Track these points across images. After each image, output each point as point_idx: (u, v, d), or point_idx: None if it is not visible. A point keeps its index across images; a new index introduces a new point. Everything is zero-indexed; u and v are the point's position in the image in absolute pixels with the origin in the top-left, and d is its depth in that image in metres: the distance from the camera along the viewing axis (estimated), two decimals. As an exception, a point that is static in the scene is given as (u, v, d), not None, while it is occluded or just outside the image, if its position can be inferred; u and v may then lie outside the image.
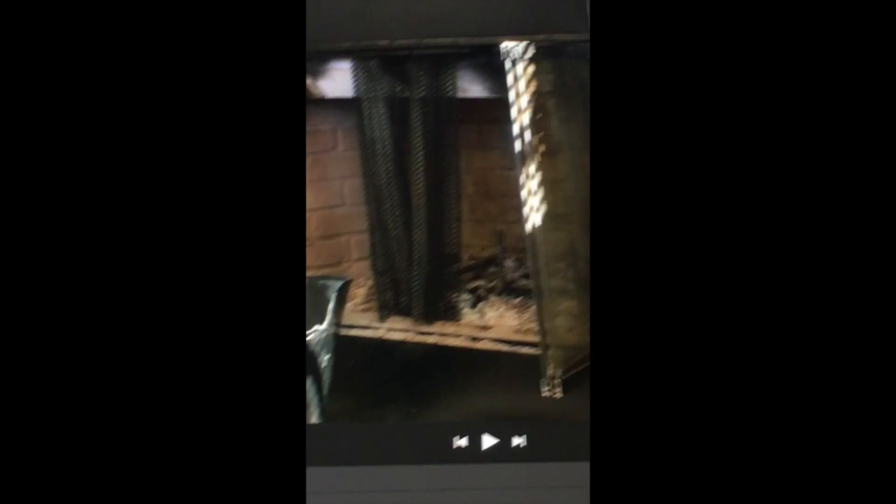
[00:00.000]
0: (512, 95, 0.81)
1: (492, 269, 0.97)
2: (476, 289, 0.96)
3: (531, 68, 0.80)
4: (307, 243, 0.97)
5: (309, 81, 0.90)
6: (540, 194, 0.81)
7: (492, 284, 0.96)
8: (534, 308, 0.85)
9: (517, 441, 0.71)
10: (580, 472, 0.70)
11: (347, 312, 0.91)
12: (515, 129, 0.81)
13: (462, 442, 0.72)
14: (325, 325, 0.84)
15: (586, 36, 0.78)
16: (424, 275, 0.91)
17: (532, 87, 0.81)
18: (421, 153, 0.90)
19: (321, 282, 0.89)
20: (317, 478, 0.70)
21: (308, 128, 0.96)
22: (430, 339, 0.90)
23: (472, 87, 0.88)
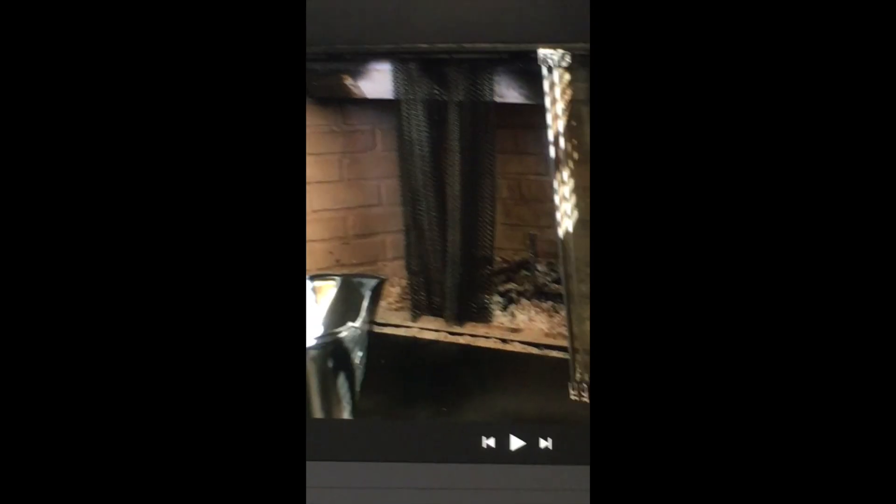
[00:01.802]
0: (548, 102, 0.81)
1: (523, 273, 0.97)
2: (507, 292, 0.96)
3: (567, 76, 0.81)
4: (344, 241, 0.98)
5: (349, 81, 0.91)
6: (572, 200, 0.82)
7: (523, 288, 0.96)
8: (563, 312, 0.86)
9: (544, 444, 0.72)
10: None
11: (381, 311, 0.92)
12: (550, 136, 0.82)
13: (490, 442, 0.72)
14: (358, 323, 0.85)
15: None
16: (457, 276, 0.92)
17: (567, 95, 0.81)
18: (457, 156, 0.90)
19: (356, 280, 0.90)
20: (346, 473, 0.71)
21: (347, 128, 0.97)
22: (461, 340, 0.91)
23: (508, 93, 0.88)
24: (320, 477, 0.69)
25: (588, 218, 0.83)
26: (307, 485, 0.56)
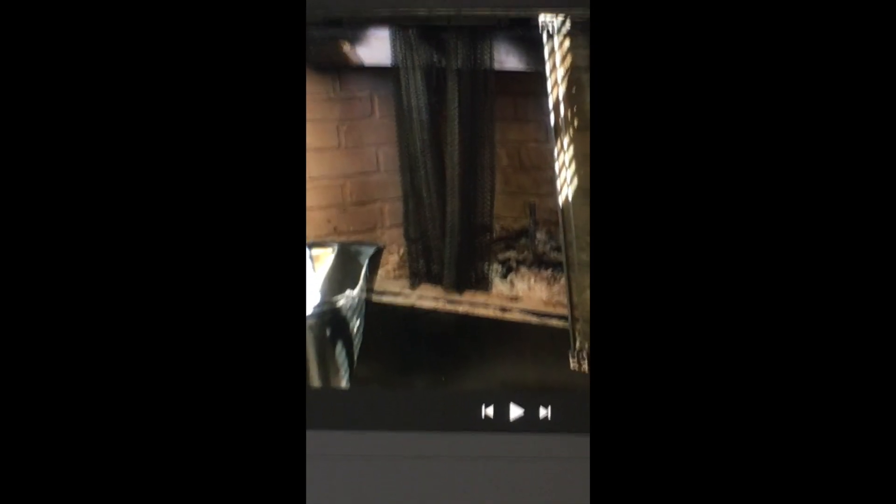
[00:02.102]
0: (548, 69, 0.81)
1: (523, 241, 0.97)
2: (507, 260, 0.96)
3: (567, 42, 0.80)
4: (342, 209, 0.97)
5: (347, 48, 0.90)
6: (573, 168, 0.82)
7: (522, 256, 0.96)
8: (563, 281, 0.86)
9: (543, 412, 0.72)
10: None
11: (379, 279, 0.91)
12: (550, 103, 0.81)
13: (489, 411, 0.72)
14: (356, 291, 0.85)
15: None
16: (456, 244, 0.92)
17: (568, 62, 0.81)
18: (456, 124, 0.90)
19: (354, 247, 0.90)
20: (344, 441, 0.71)
21: (345, 94, 0.97)
22: (461, 309, 0.90)
23: (508, 60, 0.88)
24: (319, 445, 0.69)
25: (588, 186, 0.83)
26: (306, 453, 0.56)
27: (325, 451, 0.70)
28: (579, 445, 0.71)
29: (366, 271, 0.87)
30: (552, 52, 0.81)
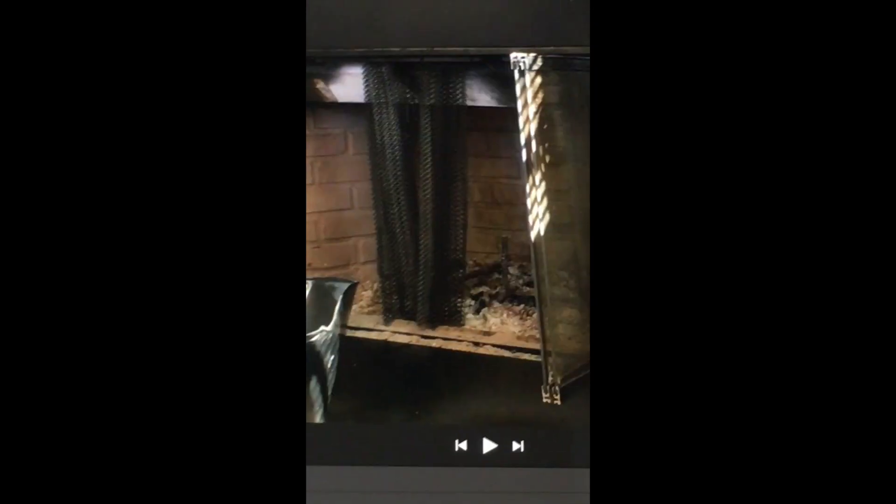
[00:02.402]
0: (520, 105, 0.82)
1: (496, 276, 0.97)
2: (480, 295, 0.96)
3: (539, 79, 0.81)
4: (316, 245, 0.97)
5: (321, 85, 0.91)
6: (544, 204, 0.82)
7: (495, 291, 0.96)
8: (536, 315, 0.86)
9: (517, 446, 0.72)
10: (578, 478, 0.71)
11: (353, 314, 0.91)
12: (522, 139, 0.82)
13: (463, 445, 0.72)
14: (330, 327, 0.85)
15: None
16: (429, 279, 0.92)
17: (539, 98, 0.82)
18: (429, 160, 0.91)
19: (328, 283, 0.90)
20: (318, 477, 0.71)
21: (319, 131, 0.97)
22: (434, 343, 0.91)
23: (480, 96, 0.88)
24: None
25: (561, 222, 0.84)
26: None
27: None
28: (553, 479, 0.71)
29: (340, 307, 0.87)
30: (524, 88, 0.81)
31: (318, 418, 0.82)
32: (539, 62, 0.80)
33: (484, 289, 0.97)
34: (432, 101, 0.89)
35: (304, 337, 0.81)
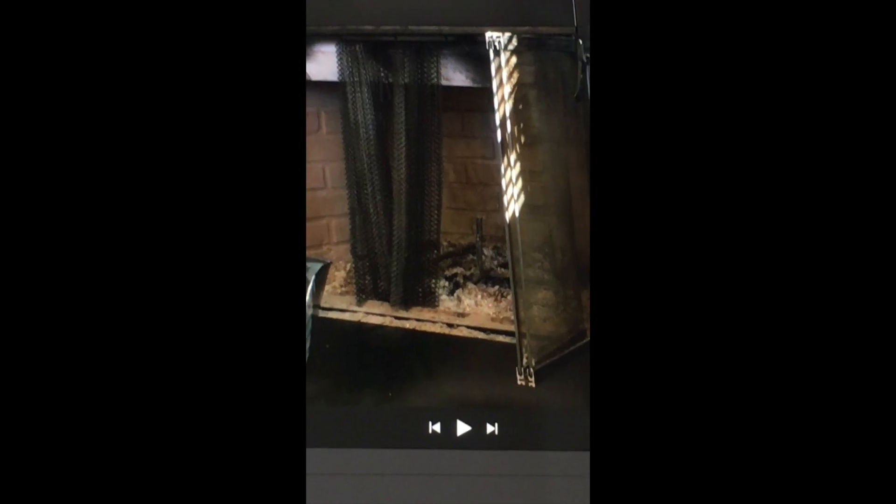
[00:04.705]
0: (495, 85, 0.82)
1: (470, 257, 0.97)
2: (454, 276, 0.96)
3: (514, 59, 0.81)
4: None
5: (294, 63, 0.90)
6: (519, 185, 0.82)
7: (470, 272, 0.96)
8: (510, 297, 0.86)
9: (490, 429, 0.72)
10: (552, 461, 0.71)
11: (326, 295, 0.91)
12: (497, 119, 0.82)
13: (436, 427, 0.72)
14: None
15: (569, 29, 0.79)
16: (403, 260, 0.92)
17: (514, 78, 0.81)
18: (403, 139, 0.90)
19: (301, 264, 0.89)
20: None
21: (291, 110, 0.96)
22: (407, 325, 0.90)
23: (455, 76, 0.88)
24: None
25: (536, 203, 0.84)
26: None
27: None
28: (526, 462, 0.71)
29: (312, 288, 0.86)
30: (499, 68, 0.81)
31: (290, 400, 0.81)
32: (514, 42, 0.80)
33: (458, 270, 0.96)
34: (407, 81, 0.89)
35: (304, 320, 0.81)
